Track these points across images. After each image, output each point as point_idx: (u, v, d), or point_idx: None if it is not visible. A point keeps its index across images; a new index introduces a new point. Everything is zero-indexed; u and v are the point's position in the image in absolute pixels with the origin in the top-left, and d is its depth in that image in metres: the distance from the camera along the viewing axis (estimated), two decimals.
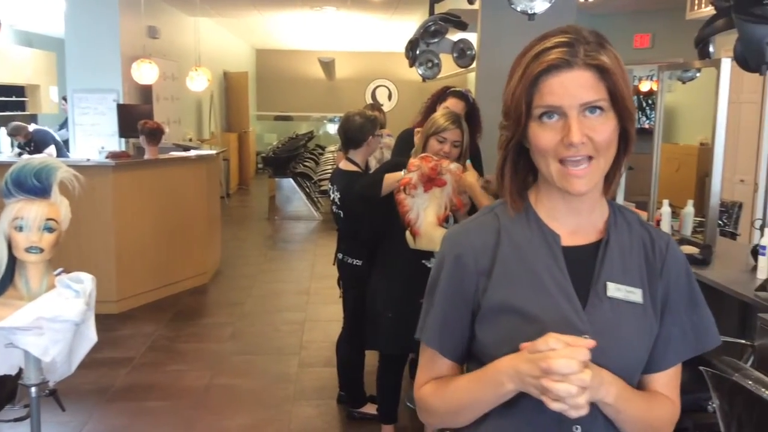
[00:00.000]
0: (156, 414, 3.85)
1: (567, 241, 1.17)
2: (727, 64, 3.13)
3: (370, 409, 3.74)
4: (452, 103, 3.79)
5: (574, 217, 1.17)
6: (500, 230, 1.19)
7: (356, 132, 3.54)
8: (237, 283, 6.56)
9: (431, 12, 5.65)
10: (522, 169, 1.20)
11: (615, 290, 1.13)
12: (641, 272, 1.16)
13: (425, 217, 2.95)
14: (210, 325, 5.37)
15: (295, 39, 14.28)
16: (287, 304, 5.93)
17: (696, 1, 5.73)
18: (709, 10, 4.02)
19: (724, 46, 5.07)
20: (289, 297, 6.13)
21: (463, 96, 3.84)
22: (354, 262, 3.58)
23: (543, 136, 1.10)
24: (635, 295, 1.14)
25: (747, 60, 2.99)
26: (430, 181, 2.92)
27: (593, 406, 1.06)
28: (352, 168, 3.58)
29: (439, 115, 3.16)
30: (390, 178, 3.05)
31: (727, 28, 3.13)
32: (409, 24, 10.40)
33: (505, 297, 1.14)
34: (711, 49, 3.44)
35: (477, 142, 4.03)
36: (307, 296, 6.08)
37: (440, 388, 1.20)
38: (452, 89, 3.93)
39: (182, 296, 6.01)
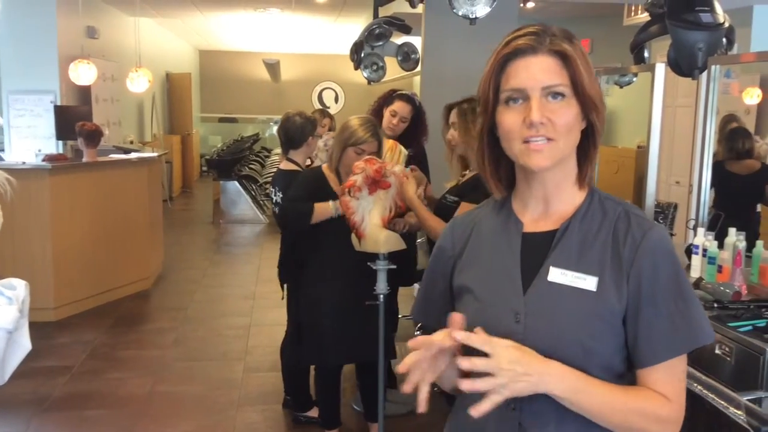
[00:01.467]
0: (96, 423, 3.75)
1: (531, 227, 1.24)
2: (661, 69, 3.22)
3: (316, 412, 3.71)
4: (399, 106, 3.82)
5: (541, 205, 1.24)
6: (477, 221, 1.32)
7: (296, 132, 3.58)
8: (180, 288, 6.45)
9: (375, 15, 5.67)
10: (504, 159, 1.24)
11: (559, 275, 1.17)
12: (603, 261, 1.17)
13: (370, 219, 2.96)
14: (152, 332, 5.27)
15: (239, 40, 14.14)
16: (232, 308, 5.85)
17: (633, 8, 5.89)
18: (645, 17, 4.14)
19: (660, 51, 5.23)
20: (233, 301, 6.06)
21: (409, 99, 3.87)
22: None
23: (508, 117, 1.17)
24: (586, 282, 1.15)
25: (680, 65, 3.09)
26: (375, 183, 2.92)
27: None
28: (293, 167, 3.61)
29: (358, 126, 3.10)
30: (320, 209, 3.06)
31: (661, 33, 3.23)
32: (354, 26, 10.41)
33: (465, 278, 1.27)
34: (646, 54, 3.55)
35: (423, 146, 4.06)
36: (253, 300, 6.02)
37: None
38: (399, 92, 3.95)
39: (123, 302, 5.87)
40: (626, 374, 1.19)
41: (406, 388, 1.13)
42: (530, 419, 1.16)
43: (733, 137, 4.12)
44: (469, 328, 1.15)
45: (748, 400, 1.76)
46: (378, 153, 3.12)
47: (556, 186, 1.22)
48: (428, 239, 4.23)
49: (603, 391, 1.12)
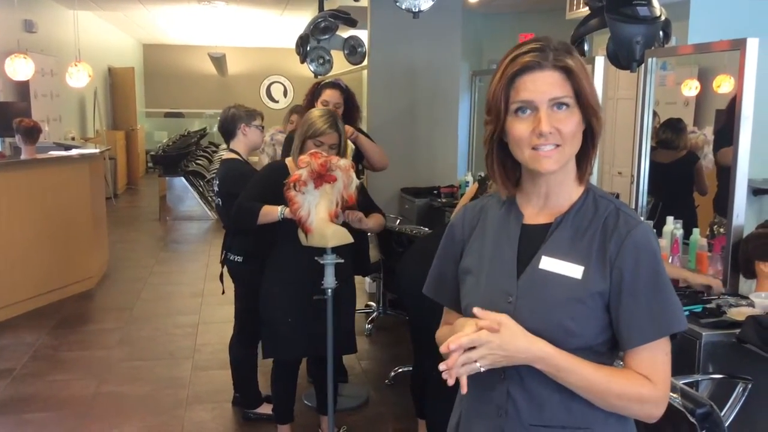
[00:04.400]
0: (39, 426, 3.66)
1: (531, 220, 1.37)
2: (600, 62, 3.28)
3: (266, 409, 3.70)
4: (329, 95, 3.84)
5: (541, 200, 1.36)
6: (486, 209, 1.45)
7: (226, 122, 3.70)
8: (126, 287, 6.32)
9: (321, 8, 5.64)
10: (509, 161, 1.37)
11: (549, 264, 1.30)
12: (590, 253, 1.29)
13: (316, 213, 2.94)
14: (96, 332, 5.15)
15: (184, 34, 13.90)
16: (180, 306, 5.76)
17: (574, 2, 5.98)
18: (585, 11, 4.21)
19: (600, 44, 5.32)
20: (181, 299, 5.97)
21: (337, 86, 3.90)
22: (236, 259, 3.56)
23: (518, 127, 1.28)
24: (573, 270, 1.28)
25: (619, 57, 3.16)
26: (320, 177, 2.90)
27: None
28: (233, 156, 3.67)
29: (317, 117, 3.11)
30: (267, 211, 3.03)
31: (600, 27, 3.28)
32: (301, 20, 10.33)
33: (468, 262, 1.42)
34: (586, 47, 3.61)
35: (358, 126, 4.10)
36: (201, 298, 5.94)
37: (439, 332, 1.49)
38: (324, 82, 3.98)
39: (66, 302, 5.73)
40: (609, 354, 1.31)
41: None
42: (517, 387, 1.31)
43: (663, 129, 4.23)
44: (467, 306, 1.36)
45: (684, 383, 1.81)
46: (339, 144, 3.11)
47: (558, 184, 1.34)
48: (378, 233, 4.26)
49: (585, 371, 1.25)
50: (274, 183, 3.07)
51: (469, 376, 1.35)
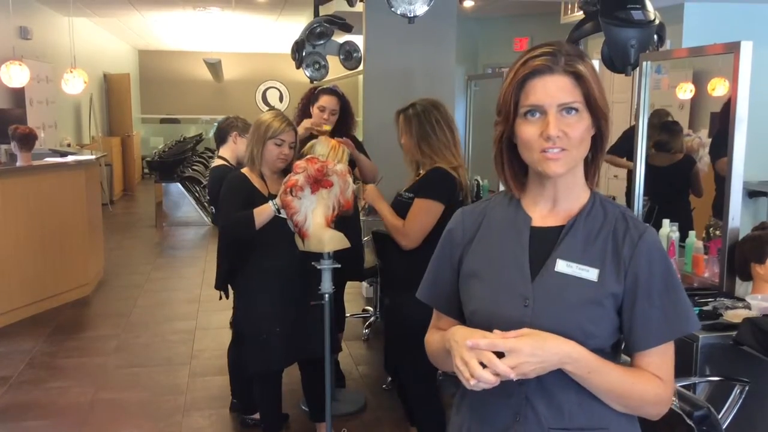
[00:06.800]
0: None
1: (539, 222, 1.37)
2: (595, 65, 3.28)
3: None
4: (326, 101, 3.85)
5: (549, 203, 1.36)
6: (487, 212, 1.43)
7: (221, 128, 3.84)
8: (122, 293, 6.30)
9: (316, 14, 5.65)
10: (517, 162, 1.37)
11: (565, 267, 1.31)
12: (603, 256, 1.31)
13: (313, 218, 2.95)
14: (93, 339, 5.14)
15: (179, 40, 13.91)
16: (177, 312, 5.75)
17: (569, 6, 6.01)
18: (580, 15, 4.23)
19: (595, 48, 5.34)
20: (178, 305, 5.95)
21: (334, 92, 3.92)
22: None
23: (527, 130, 1.29)
24: (589, 273, 1.30)
25: (613, 61, 3.17)
26: (317, 182, 2.91)
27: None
28: (221, 163, 3.72)
29: (272, 118, 3.09)
30: (260, 212, 2.99)
31: (595, 31, 3.30)
32: (296, 25, 10.35)
33: (474, 265, 1.39)
34: None
35: (353, 134, 4.11)
36: (198, 304, 5.92)
37: (430, 336, 1.48)
38: (321, 88, 4.00)
39: (63, 309, 5.72)
40: (613, 355, 1.34)
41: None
42: (536, 391, 1.30)
43: (661, 131, 4.24)
44: (475, 311, 1.35)
45: (682, 386, 1.81)
46: (295, 143, 3.12)
47: (566, 188, 1.35)
48: (374, 237, 4.26)
49: (614, 373, 1.27)
50: (245, 195, 3.05)
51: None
